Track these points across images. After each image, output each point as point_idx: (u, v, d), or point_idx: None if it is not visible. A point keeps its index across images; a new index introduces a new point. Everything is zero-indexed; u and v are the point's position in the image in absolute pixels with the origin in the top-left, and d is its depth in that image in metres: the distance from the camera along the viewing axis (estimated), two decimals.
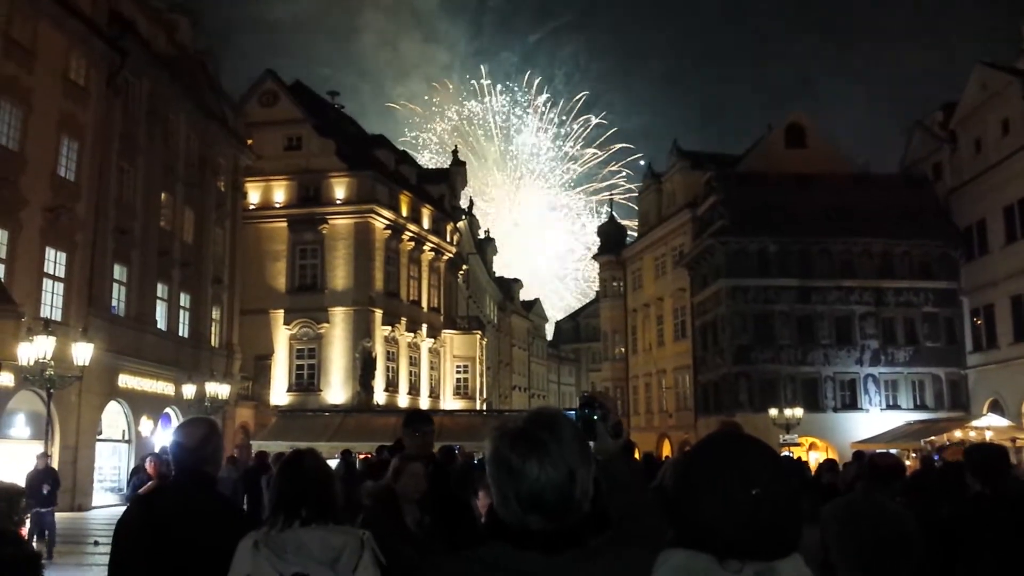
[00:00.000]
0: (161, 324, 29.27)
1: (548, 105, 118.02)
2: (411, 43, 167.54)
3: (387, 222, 41.24)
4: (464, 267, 52.87)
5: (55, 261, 23.45)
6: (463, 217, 55.20)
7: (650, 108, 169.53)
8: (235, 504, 5.64)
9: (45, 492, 13.97)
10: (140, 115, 28.08)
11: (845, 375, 37.49)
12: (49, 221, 22.98)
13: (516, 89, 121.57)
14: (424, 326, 44.39)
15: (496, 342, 61.62)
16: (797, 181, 38.13)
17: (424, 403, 42.26)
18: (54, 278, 23.35)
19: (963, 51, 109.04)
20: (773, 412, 33.24)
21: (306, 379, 39.27)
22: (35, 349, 17.26)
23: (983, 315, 35.99)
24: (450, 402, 45.21)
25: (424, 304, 45.11)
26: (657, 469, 6.28)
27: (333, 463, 9.72)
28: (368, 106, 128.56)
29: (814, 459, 27.16)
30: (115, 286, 26.58)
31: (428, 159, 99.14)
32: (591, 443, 1.94)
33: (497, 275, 69.95)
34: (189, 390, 28.21)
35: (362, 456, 17.32)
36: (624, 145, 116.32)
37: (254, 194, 40.01)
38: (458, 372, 47.93)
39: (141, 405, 27.22)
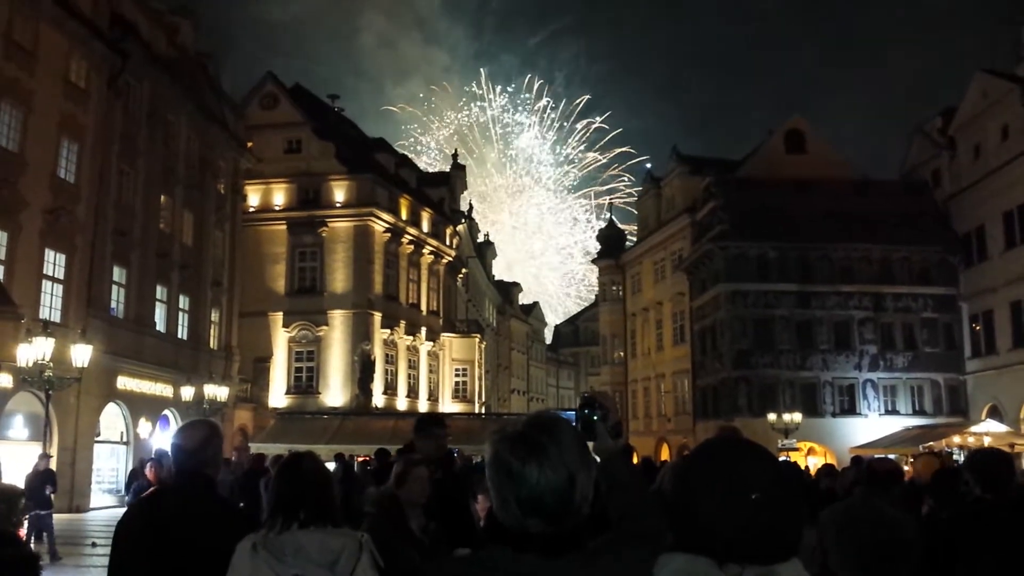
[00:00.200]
0: (160, 326, 29.25)
1: (548, 108, 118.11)
2: (411, 44, 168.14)
3: (387, 225, 41.23)
4: (463, 271, 52.86)
5: (54, 263, 23.44)
6: (463, 220, 55.18)
7: (650, 112, 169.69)
8: (235, 506, 5.63)
9: (48, 493, 13.95)
10: (140, 117, 28.09)
11: (844, 380, 37.49)
12: (49, 223, 22.98)
13: (516, 92, 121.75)
14: (423, 329, 44.38)
15: (495, 346, 61.60)
16: (796, 186, 38.09)
17: (423, 406, 42.23)
18: (53, 280, 23.35)
19: (962, 58, 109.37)
20: (772, 417, 33.22)
21: (305, 382, 39.26)
22: (34, 350, 17.27)
23: (982, 321, 36.00)
24: (449, 405, 45.13)
25: (423, 307, 45.09)
26: (655, 473, 6.27)
27: (332, 466, 9.69)
28: (368, 108, 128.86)
29: (812, 464, 27.16)
30: (114, 288, 26.56)
31: (428, 162, 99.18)
32: (591, 443, 1.95)
33: (496, 279, 69.93)
34: (188, 392, 28.24)
35: (360, 459, 17.31)
36: (624, 149, 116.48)
37: (254, 197, 39.99)
38: (457, 376, 47.94)
39: (140, 407, 27.22)
